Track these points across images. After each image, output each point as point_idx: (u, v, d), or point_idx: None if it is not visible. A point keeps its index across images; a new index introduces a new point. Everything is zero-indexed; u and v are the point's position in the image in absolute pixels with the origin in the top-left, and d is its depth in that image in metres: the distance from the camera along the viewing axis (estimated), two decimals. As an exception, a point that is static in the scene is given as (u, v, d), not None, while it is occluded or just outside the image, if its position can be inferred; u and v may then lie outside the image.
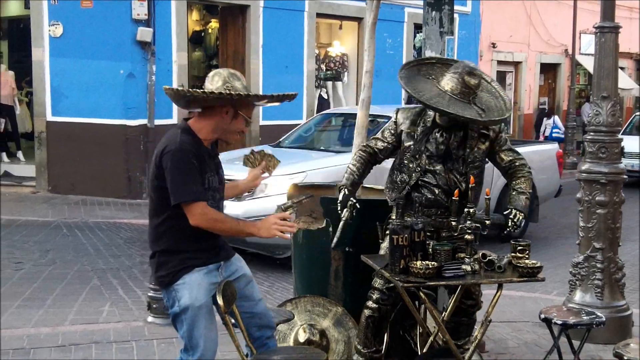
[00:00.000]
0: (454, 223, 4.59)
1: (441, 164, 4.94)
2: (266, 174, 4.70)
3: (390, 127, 5.25)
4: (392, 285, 4.96)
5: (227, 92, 4.09)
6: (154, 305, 6.83)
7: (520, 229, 5.03)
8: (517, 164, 5.10)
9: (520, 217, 4.86)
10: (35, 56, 14.34)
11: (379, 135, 5.29)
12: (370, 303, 5.10)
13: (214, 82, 4.19)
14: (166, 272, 4.21)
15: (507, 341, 6.51)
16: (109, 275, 8.86)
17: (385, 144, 5.23)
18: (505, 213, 4.93)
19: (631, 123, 20.44)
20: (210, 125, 4.23)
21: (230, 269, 4.39)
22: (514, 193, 4.99)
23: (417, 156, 4.97)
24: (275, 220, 4.19)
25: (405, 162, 5.03)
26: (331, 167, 9.47)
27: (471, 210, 4.55)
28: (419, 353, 5.19)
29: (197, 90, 4.12)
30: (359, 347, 5.22)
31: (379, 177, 6.11)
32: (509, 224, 4.84)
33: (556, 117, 22.77)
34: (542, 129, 22.69)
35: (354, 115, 11.12)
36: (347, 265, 5.65)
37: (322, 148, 11.22)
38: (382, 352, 5.22)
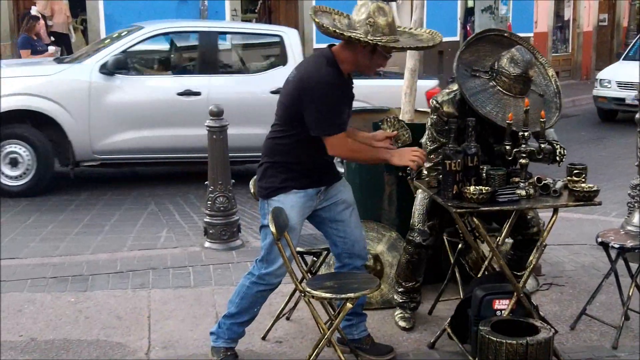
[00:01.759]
0: (508, 147, 4.50)
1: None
2: (389, 143, 4.61)
3: (435, 117, 4.91)
4: (432, 222, 4.94)
5: (357, 38, 4.10)
6: (211, 231, 6.91)
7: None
8: None
9: (564, 150, 4.78)
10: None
11: (430, 137, 4.97)
12: (410, 247, 5.03)
13: (360, 13, 4.21)
14: (266, 186, 4.40)
15: (564, 264, 6.46)
16: (166, 201, 8.99)
17: (443, 139, 4.80)
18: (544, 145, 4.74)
19: (634, 46, 18.02)
20: (352, 58, 4.28)
21: (330, 193, 4.51)
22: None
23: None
24: (410, 150, 4.33)
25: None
26: None
27: (525, 134, 4.45)
28: (474, 277, 5.19)
29: (330, 28, 4.12)
30: (399, 279, 5.22)
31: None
32: (557, 156, 4.74)
33: None
34: None
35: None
36: (400, 190, 5.63)
37: None
38: (420, 284, 5.22)
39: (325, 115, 4.19)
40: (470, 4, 18.71)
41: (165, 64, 10.58)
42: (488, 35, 5.07)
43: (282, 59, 10.20)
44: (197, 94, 9.53)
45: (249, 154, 9.31)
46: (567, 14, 23.45)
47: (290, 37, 10.31)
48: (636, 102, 14.64)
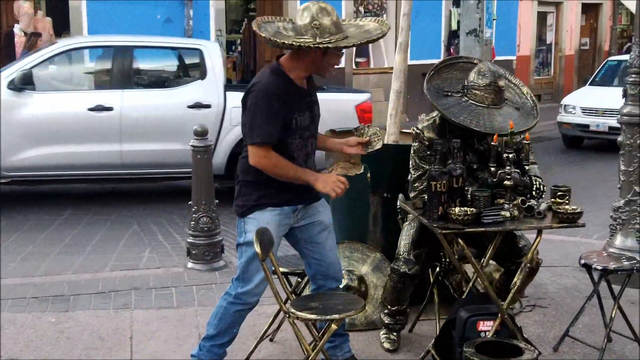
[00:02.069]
0: (492, 169, 4.52)
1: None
2: (361, 150, 4.60)
3: (418, 145, 4.92)
4: (418, 251, 4.90)
5: (306, 44, 4.07)
6: (194, 251, 6.89)
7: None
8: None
9: (543, 187, 4.77)
10: (73, 2, 14.31)
11: (414, 165, 4.95)
12: (394, 276, 4.97)
13: (303, 17, 4.17)
14: (242, 204, 4.36)
15: (547, 286, 6.47)
16: (149, 220, 8.95)
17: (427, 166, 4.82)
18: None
19: (601, 71, 17.23)
20: (302, 64, 4.26)
21: (308, 212, 4.46)
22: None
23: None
24: (336, 179, 4.24)
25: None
26: None
27: (510, 155, 4.47)
28: (457, 298, 5.19)
29: (277, 41, 4.10)
30: (385, 303, 5.19)
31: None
32: (535, 191, 4.73)
33: None
34: None
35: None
36: (386, 211, 5.62)
37: None
38: (406, 307, 5.18)
39: (254, 122, 4.14)
40: (454, 26, 18.85)
41: (77, 79, 10.38)
42: (457, 63, 5.15)
43: (201, 73, 10.04)
44: (109, 109, 9.32)
45: (165, 170, 9.30)
46: (550, 37, 23.66)
47: (211, 50, 10.13)
48: (601, 129, 14.84)
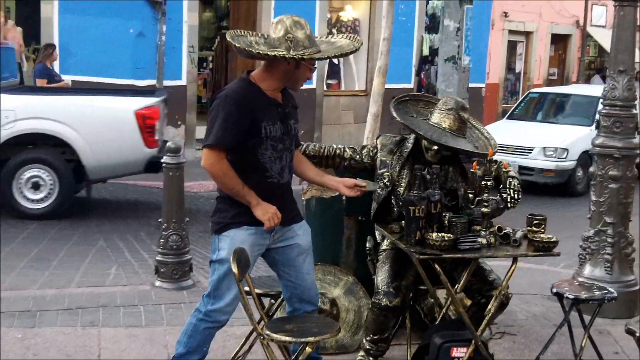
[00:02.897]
0: (470, 195, 4.54)
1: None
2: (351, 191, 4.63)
3: (370, 148, 5.13)
4: (396, 283, 4.86)
5: (281, 54, 4.10)
6: (162, 269, 6.80)
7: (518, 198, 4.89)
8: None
9: (515, 182, 4.80)
10: (44, 12, 14.22)
11: (357, 149, 5.18)
12: (376, 310, 4.91)
13: (277, 30, 4.18)
14: (218, 221, 4.33)
15: (517, 314, 6.48)
16: (115, 237, 8.85)
17: (357, 156, 5.10)
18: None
19: (521, 104, 16.14)
20: (274, 75, 4.26)
21: (286, 234, 4.42)
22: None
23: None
24: (274, 211, 4.22)
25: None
26: None
27: (488, 183, 4.49)
28: (429, 324, 5.18)
29: (253, 51, 4.12)
30: (367, 330, 5.13)
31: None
32: (509, 193, 4.77)
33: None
34: None
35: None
36: (360, 235, 5.60)
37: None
38: (389, 335, 5.15)
39: (211, 127, 4.15)
40: (425, 52, 18.98)
41: None
42: (421, 99, 5.29)
43: None
44: None
45: None
46: (519, 66, 23.91)
47: None
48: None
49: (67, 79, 13.43)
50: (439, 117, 4.86)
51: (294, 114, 4.45)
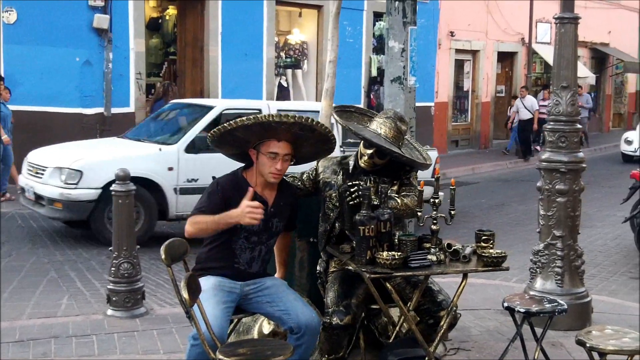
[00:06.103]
0: (419, 214, 4.57)
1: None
2: None
3: (310, 172, 5.19)
4: (347, 301, 4.83)
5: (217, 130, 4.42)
6: (114, 298, 6.74)
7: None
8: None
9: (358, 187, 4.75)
10: (-11, 43, 14.07)
11: (297, 175, 5.22)
12: (328, 330, 4.83)
13: None
14: (194, 267, 4.62)
15: (470, 329, 6.53)
16: (67, 267, 8.74)
17: (299, 182, 5.15)
18: None
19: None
20: (253, 171, 4.51)
21: (255, 282, 4.62)
22: None
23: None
24: (244, 206, 4.27)
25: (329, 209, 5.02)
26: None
27: (436, 200, 4.54)
28: (383, 342, 5.18)
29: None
30: (322, 352, 5.07)
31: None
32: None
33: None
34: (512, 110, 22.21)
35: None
36: (312, 256, 5.60)
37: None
38: (344, 354, 5.12)
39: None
40: (374, 73, 19.13)
41: None
42: (365, 114, 5.35)
43: None
44: None
45: None
46: (467, 84, 24.17)
47: None
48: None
49: (15, 109, 13.19)
50: (377, 124, 4.94)
51: (284, 211, 4.63)
